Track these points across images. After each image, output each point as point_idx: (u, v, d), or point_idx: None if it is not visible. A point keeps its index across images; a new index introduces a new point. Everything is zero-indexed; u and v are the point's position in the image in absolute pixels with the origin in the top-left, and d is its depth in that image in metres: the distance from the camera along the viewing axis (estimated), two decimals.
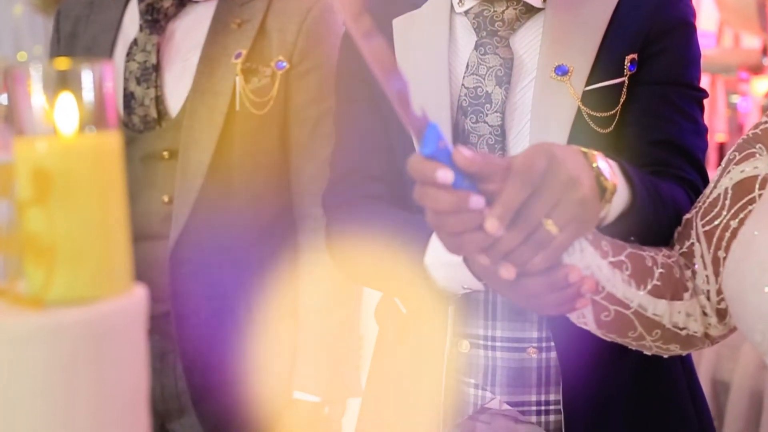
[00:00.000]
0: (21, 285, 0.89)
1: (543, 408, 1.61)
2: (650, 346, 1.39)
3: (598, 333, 1.37)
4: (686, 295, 1.37)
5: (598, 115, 1.54)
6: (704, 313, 1.38)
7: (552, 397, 1.61)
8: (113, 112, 0.91)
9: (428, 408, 1.62)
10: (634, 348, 1.40)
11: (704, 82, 3.56)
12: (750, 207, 1.34)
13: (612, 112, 1.55)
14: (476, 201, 1.14)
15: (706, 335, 1.40)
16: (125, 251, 0.91)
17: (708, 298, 1.38)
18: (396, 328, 1.70)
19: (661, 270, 1.35)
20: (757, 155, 1.37)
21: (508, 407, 1.61)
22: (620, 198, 1.30)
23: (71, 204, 0.87)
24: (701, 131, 1.60)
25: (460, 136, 1.56)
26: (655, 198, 1.39)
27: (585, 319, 1.34)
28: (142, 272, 1.92)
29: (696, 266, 1.38)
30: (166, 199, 1.92)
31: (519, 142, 1.55)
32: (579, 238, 1.24)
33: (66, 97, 0.89)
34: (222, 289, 1.94)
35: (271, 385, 1.95)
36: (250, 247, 1.95)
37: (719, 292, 1.35)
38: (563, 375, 1.57)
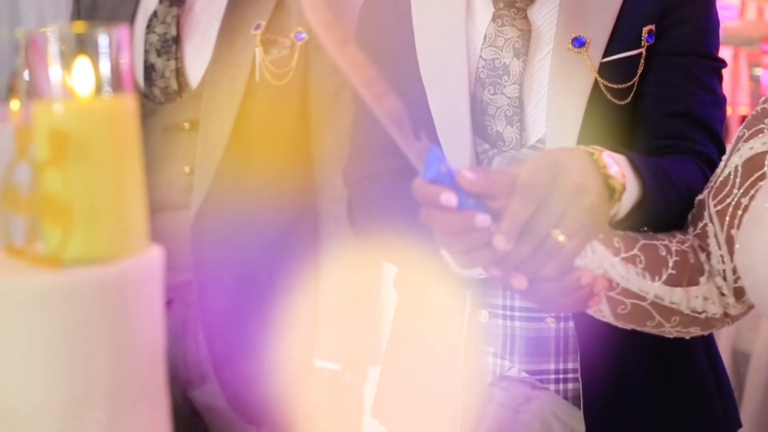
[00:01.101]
0: (39, 245, 0.91)
1: (561, 376, 1.62)
2: (670, 331, 1.39)
3: (617, 324, 1.38)
4: (702, 279, 1.37)
5: (615, 86, 1.54)
6: (722, 294, 1.38)
7: (570, 366, 1.61)
8: (129, 76, 0.93)
9: (447, 376, 1.64)
10: (654, 333, 1.41)
11: (727, 55, 3.55)
12: (760, 183, 1.33)
13: (629, 84, 1.55)
14: (482, 220, 1.16)
15: (726, 315, 1.40)
16: (141, 211, 0.92)
17: (724, 278, 1.38)
18: (415, 298, 1.71)
19: (675, 258, 1.35)
20: (766, 130, 1.36)
21: (527, 375, 1.62)
22: (630, 194, 1.30)
23: (87, 165, 0.89)
24: (719, 102, 1.60)
25: (478, 108, 1.57)
26: (666, 186, 1.38)
27: (602, 312, 1.35)
28: (164, 242, 1.94)
29: (710, 247, 1.38)
30: (187, 169, 1.93)
31: (537, 114, 1.55)
32: (589, 242, 1.25)
33: (83, 61, 0.91)
34: (243, 259, 1.95)
35: (292, 353, 1.96)
36: (271, 217, 1.96)
37: (735, 271, 1.35)
38: (581, 344, 1.58)
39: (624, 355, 1.60)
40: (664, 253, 1.34)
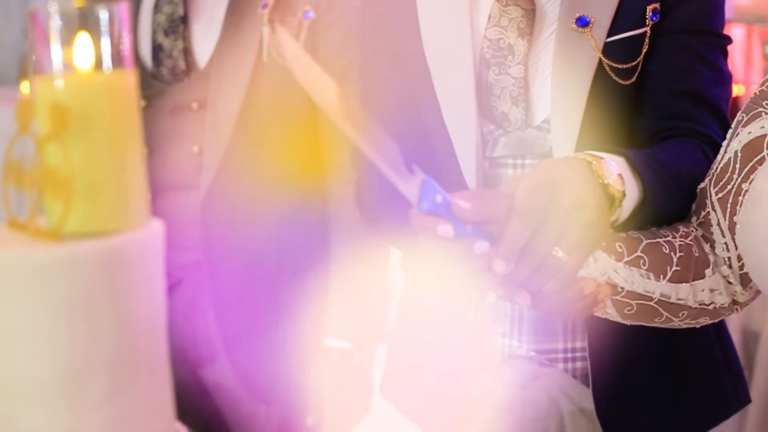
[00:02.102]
0: (41, 220, 0.92)
1: (570, 355, 1.62)
2: (679, 324, 1.39)
3: (625, 322, 1.39)
4: (708, 272, 1.37)
5: (619, 66, 1.53)
6: (729, 283, 1.38)
7: (578, 345, 1.61)
8: (129, 51, 0.93)
9: (455, 355, 1.64)
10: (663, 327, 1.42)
11: (739, 33, 3.54)
12: (759, 167, 1.33)
13: (634, 63, 1.54)
14: (480, 247, 1.18)
15: (734, 302, 1.40)
16: (141, 186, 0.93)
17: (730, 266, 1.37)
18: (422, 278, 1.72)
19: (679, 254, 1.35)
20: (763, 114, 1.36)
21: (535, 354, 1.63)
22: (630, 199, 1.31)
23: (88, 139, 0.89)
24: (725, 80, 1.59)
25: (483, 88, 1.57)
26: (666, 182, 1.39)
27: (609, 314, 1.36)
28: (173, 222, 1.95)
29: (714, 235, 1.38)
30: (196, 149, 1.94)
31: (542, 94, 1.55)
32: (590, 255, 1.25)
33: (83, 37, 0.92)
34: (253, 238, 1.96)
35: (301, 331, 1.97)
36: (280, 196, 1.97)
37: (740, 257, 1.35)
38: (589, 323, 1.58)
39: (632, 333, 1.59)
40: (667, 251, 1.34)
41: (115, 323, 0.89)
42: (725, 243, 1.36)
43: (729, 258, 1.37)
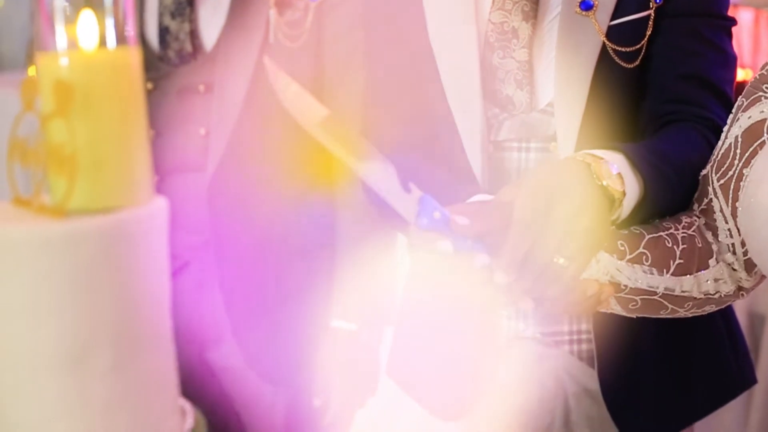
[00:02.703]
0: (46, 197, 0.93)
1: (575, 337, 1.63)
2: (685, 314, 1.40)
3: (630, 315, 1.40)
4: (711, 262, 1.37)
5: (623, 50, 1.53)
6: (733, 270, 1.38)
7: (584, 327, 1.62)
8: (132, 29, 0.94)
9: (460, 337, 1.65)
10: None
11: (747, 18, 3.53)
12: (760, 151, 1.33)
13: (637, 47, 1.54)
14: (481, 260, 1.19)
15: (739, 289, 1.40)
16: (145, 162, 0.94)
17: (734, 252, 1.37)
18: (428, 260, 1.72)
19: (683, 246, 1.35)
20: (763, 98, 1.35)
21: (541, 336, 1.63)
22: (630, 197, 1.32)
23: (92, 116, 0.90)
24: (729, 62, 1.59)
25: (487, 72, 1.57)
26: (667, 176, 1.39)
27: (614, 310, 1.36)
28: (180, 204, 1.95)
29: (717, 222, 1.38)
30: (203, 131, 1.95)
31: (547, 78, 1.55)
32: (592, 258, 1.26)
33: (87, 14, 0.92)
34: (260, 219, 1.97)
35: (308, 313, 1.98)
36: (287, 178, 1.97)
37: (744, 243, 1.35)
38: None
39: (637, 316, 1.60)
40: (670, 244, 1.34)
41: (119, 298, 0.90)
42: (728, 229, 1.37)
43: (733, 244, 1.37)
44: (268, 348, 1.98)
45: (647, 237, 1.33)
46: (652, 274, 1.32)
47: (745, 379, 1.70)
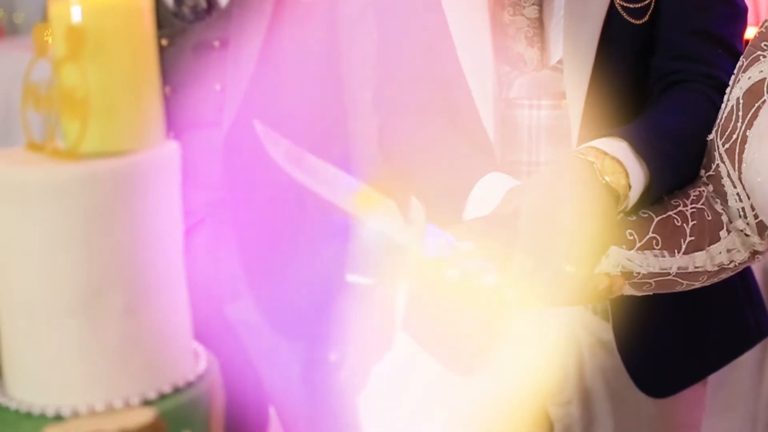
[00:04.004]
0: (59, 141, 0.94)
1: None
2: (702, 285, 1.40)
3: (646, 294, 1.40)
4: (722, 233, 1.37)
5: (631, 6, 1.52)
6: (745, 236, 1.38)
7: None
8: None
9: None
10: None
11: None
12: (764, 106, 1.32)
13: (646, 3, 1.53)
14: (489, 279, 1.21)
15: (754, 253, 1.40)
16: (156, 106, 0.95)
17: (745, 216, 1.37)
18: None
19: (692, 223, 1.35)
20: (761, 57, 1.35)
21: None
22: (636, 189, 1.32)
23: (103, 60, 0.91)
24: (739, 14, 1.58)
25: (498, 29, 1.56)
26: (672, 156, 1.39)
27: (628, 293, 1.37)
28: (196, 160, 1.95)
29: (725, 187, 1.38)
30: (218, 87, 1.95)
31: (557, 35, 1.54)
32: (599, 260, 1.26)
33: None
34: (275, 175, 1.96)
35: (324, 268, 1.98)
36: (302, 133, 1.97)
37: (754, 207, 1.35)
38: None
39: None
40: (680, 223, 1.34)
41: (132, 240, 0.91)
42: (737, 193, 1.36)
43: (743, 208, 1.36)
44: (285, 303, 1.98)
45: (656, 220, 1.34)
46: (663, 257, 1.33)
47: (761, 330, 1.70)
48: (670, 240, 1.33)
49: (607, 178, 1.27)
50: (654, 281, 1.35)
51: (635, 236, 1.32)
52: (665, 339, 1.62)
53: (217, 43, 1.95)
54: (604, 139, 1.35)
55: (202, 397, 0.96)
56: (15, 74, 3.87)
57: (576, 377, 1.63)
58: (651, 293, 1.40)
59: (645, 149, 1.35)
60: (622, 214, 1.33)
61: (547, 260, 1.20)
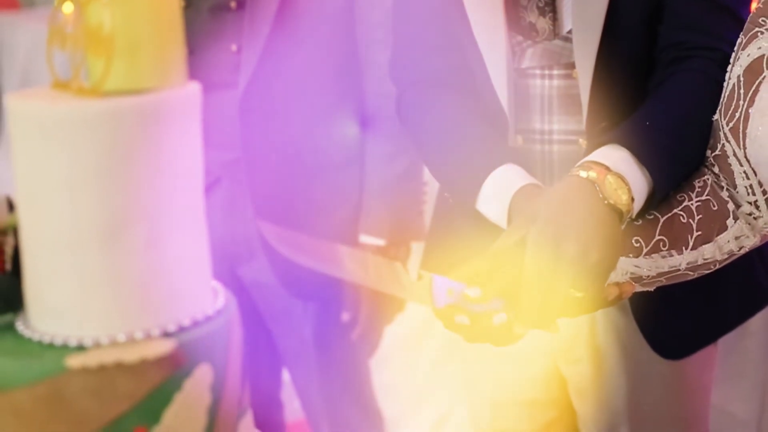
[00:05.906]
0: (84, 80, 0.96)
1: None
2: (714, 269, 1.40)
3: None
4: (729, 222, 1.36)
5: None
6: (754, 219, 1.37)
7: None
8: None
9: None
10: None
11: None
12: (765, 81, 1.32)
13: None
14: (499, 319, 1.24)
15: (763, 237, 1.40)
16: (179, 46, 0.97)
17: (753, 194, 1.37)
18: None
19: (699, 217, 1.35)
20: (759, 34, 1.35)
21: None
22: (639, 198, 1.32)
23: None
24: None
25: None
26: (675, 154, 1.39)
27: (641, 290, 1.38)
28: (212, 120, 1.97)
29: (732, 166, 1.37)
30: (234, 48, 1.96)
31: (568, 5, 1.54)
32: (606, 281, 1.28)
33: None
34: (290, 136, 1.98)
35: (337, 229, 2.00)
36: (317, 95, 1.99)
37: (762, 183, 1.36)
38: None
39: None
40: (686, 219, 1.34)
41: (154, 174, 0.93)
42: (744, 171, 1.36)
43: (750, 186, 1.37)
44: (298, 264, 2.00)
45: (662, 220, 1.34)
46: (671, 256, 1.33)
47: None
48: (677, 239, 1.34)
49: (609, 201, 1.29)
50: (665, 278, 1.37)
51: (642, 242, 1.33)
52: (678, 297, 1.63)
53: (233, 4, 1.96)
54: (605, 150, 1.35)
55: (221, 332, 0.98)
56: (33, 46, 3.89)
57: (588, 335, 1.64)
58: (664, 284, 1.42)
59: (647, 155, 1.35)
60: (628, 222, 1.35)
61: (555, 292, 1.23)
